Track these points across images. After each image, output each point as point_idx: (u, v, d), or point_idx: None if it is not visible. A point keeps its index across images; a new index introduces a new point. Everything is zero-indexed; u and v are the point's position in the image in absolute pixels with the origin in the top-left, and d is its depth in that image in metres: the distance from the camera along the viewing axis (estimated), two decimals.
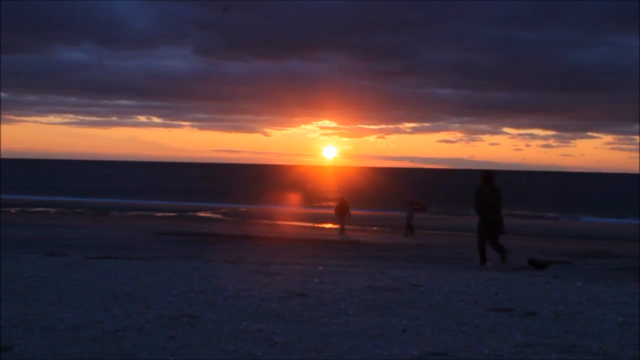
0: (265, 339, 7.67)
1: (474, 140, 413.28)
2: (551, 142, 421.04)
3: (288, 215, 52.79)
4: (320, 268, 16.54)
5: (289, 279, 13.33)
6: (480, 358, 7.13)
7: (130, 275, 13.28)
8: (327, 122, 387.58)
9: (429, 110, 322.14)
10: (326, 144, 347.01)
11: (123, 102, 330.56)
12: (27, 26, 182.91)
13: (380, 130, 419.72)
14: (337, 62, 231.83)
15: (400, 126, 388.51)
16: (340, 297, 10.87)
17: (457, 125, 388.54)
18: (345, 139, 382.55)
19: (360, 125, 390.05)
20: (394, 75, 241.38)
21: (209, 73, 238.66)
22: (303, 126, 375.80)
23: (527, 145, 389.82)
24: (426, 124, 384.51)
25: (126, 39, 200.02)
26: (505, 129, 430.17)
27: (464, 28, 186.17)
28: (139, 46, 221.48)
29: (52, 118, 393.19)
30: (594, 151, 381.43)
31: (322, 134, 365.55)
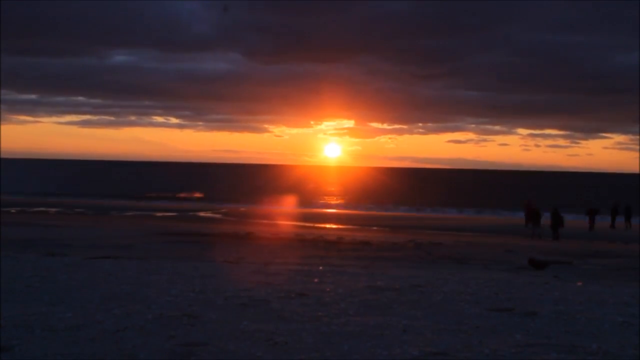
0: (265, 339, 7.67)
1: (485, 140, 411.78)
2: (560, 142, 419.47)
3: (288, 215, 52.84)
4: (320, 268, 16.55)
5: (289, 279, 13.35)
6: (481, 358, 7.14)
7: (130, 275, 13.29)
8: (345, 122, 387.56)
9: (451, 112, 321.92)
10: (338, 145, 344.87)
11: (146, 102, 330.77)
12: (80, 30, 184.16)
13: (394, 131, 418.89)
14: (375, 65, 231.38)
15: (415, 127, 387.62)
16: (340, 297, 10.88)
17: (473, 126, 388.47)
18: (357, 140, 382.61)
19: (376, 126, 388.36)
20: (430, 78, 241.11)
21: (245, 75, 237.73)
22: (318, 127, 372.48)
23: (537, 146, 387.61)
24: (443, 124, 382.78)
25: (177, 41, 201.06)
26: (520, 130, 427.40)
27: (513, 32, 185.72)
28: (189, 49, 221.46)
29: (67, 118, 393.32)
30: (603, 151, 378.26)
31: (335, 134, 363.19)
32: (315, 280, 13.11)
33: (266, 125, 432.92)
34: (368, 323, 8.70)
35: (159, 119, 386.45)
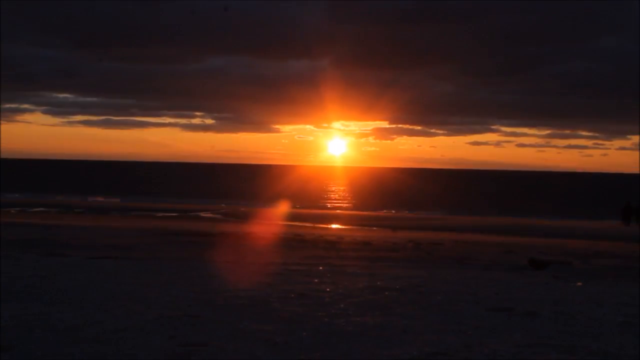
0: (265, 339, 7.67)
1: (507, 142, 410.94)
2: (581, 142, 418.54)
3: (289, 215, 52.82)
4: (320, 268, 16.56)
5: (289, 279, 13.35)
6: (480, 358, 7.14)
7: (130, 275, 13.30)
8: (377, 123, 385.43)
9: (489, 115, 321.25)
10: (357, 146, 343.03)
11: (191, 104, 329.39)
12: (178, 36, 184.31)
13: (419, 132, 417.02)
14: (444, 72, 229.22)
15: (442, 128, 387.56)
16: (340, 297, 10.88)
17: (504, 128, 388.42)
18: (381, 141, 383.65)
19: (402, 127, 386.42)
20: (494, 84, 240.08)
21: (308, 80, 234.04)
22: (348, 128, 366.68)
23: (554, 147, 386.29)
24: (471, 126, 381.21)
25: (269, 48, 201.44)
26: (546, 131, 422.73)
27: (608, 44, 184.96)
28: (280, 56, 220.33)
29: (92, 118, 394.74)
30: (616, 152, 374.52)
31: (360, 135, 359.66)
32: (315, 280, 13.11)
33: (289, 127, 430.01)
34: (368, 323, 8.70)
35: (196, 121, 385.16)
